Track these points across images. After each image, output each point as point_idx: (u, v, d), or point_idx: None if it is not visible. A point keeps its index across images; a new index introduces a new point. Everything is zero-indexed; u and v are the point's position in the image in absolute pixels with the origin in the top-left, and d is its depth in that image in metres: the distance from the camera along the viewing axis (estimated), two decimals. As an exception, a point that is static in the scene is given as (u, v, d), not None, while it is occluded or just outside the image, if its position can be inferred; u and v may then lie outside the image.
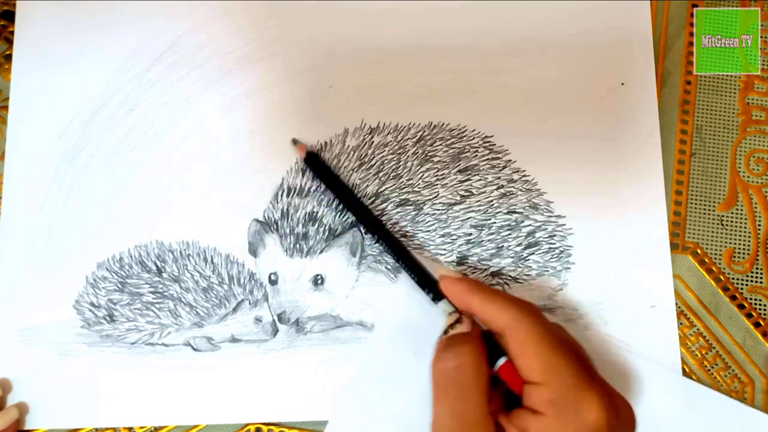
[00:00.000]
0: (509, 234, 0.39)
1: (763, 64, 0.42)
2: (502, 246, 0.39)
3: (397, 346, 0.37)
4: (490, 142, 0.40)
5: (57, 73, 0.41)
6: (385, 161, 0.40)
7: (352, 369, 0.37)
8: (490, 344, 0.31)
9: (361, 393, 0.37)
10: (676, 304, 0.39)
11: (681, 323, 0.39)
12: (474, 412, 0.29)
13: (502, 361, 0.31)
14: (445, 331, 0.33)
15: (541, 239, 0.39)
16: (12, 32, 0.41)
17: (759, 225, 0.40)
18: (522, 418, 0.29)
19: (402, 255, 0.37)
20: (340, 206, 0.39)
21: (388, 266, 0.38)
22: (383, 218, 0.39)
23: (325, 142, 0.40)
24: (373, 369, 0.37)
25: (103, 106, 0.40)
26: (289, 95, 0.41)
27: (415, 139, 0.40)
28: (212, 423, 0.37)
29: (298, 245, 0.38)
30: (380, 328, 0.38)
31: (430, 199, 0.39)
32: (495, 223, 0.39)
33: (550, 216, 0.39)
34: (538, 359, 0.29)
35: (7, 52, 0.41)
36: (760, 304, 0.40)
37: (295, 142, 0.39)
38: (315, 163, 0.39)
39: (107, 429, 0.37)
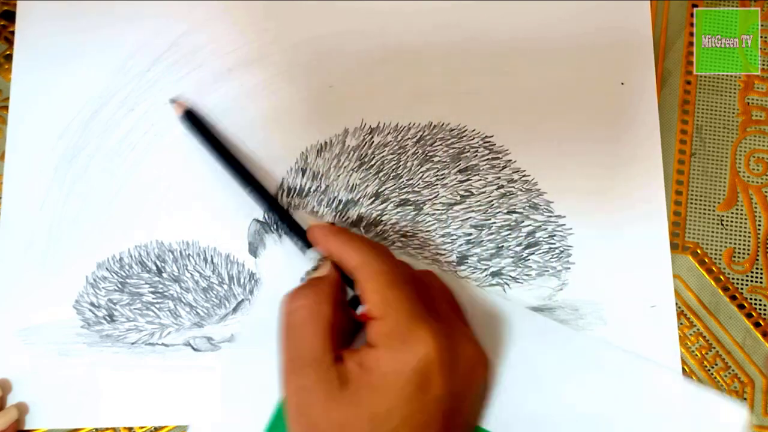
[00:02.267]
0: (509, 234, 0.39)
1: (763, 64, 0.42)
2: (502, 246, 0.39)
3: None
4: (490, 142, 0.40)
5: (57, 73, 0.41)
6: (385, 161, 0.40)
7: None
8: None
9: None
10: (676, 304, 0.39)
11: (681, 323, 0.39)
12: (309, 349, 0.30)
13: (361, 308, 0.31)
14: (303, 278, 0.34)
15: (541, 239, 0.39)
16: (12, 32, 0.41)
17: (759, 225, 0.40)
18: (361, 352, 0.30)
19: (275, 208, 0.37)
20: (340, 207, 0.39)
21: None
22: (383, 218, 0.39)
23: (325, 142, 0.40)
24: None
25: (103, 106, 0.40)
26: (289, 95, 0.41)
27: (415, 139, 0.40)
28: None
29: (298, 245, 0.38)
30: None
31: (430, 199, 0.39)
32: (495, 223, 0.39)
33: (550, 216, 0.39)
34: (377, 295, 0.30)
35: (7, 52, 0.41)
36: (760, 304, 0.40)
37: (173, 101, 0.39)
38: (193, 121, 0.38)
39: (107, 429, 0.37)
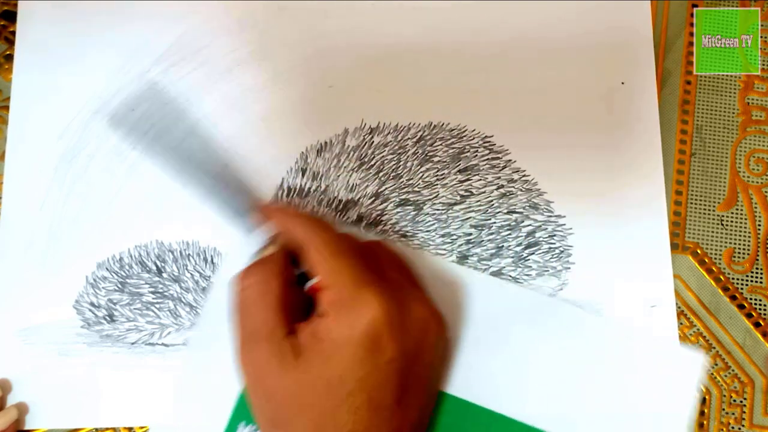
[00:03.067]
0: (509, 234, 0.39)
1: (763, 64, 0.42)
2: (502, 246, 0.39)
3: None
4: (490, 142, 0.40)
5: (57, 73, 0.41)
6: (385, 161, 0.40)
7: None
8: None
9: None
10: (676, 304, 0.39)
11: (681, 323, 0.39)
12: (262, 323, 0.30)
13: (311, 282, 0.32)
14: (257, 253, 0.35)
15: (541, 239, 0.39)
16: (12, 32, 0.41)
17: (759, 225, 0.40)
18: (313, 322, 0.30)
19: (216, 191, 0.37)
20: (340, 207, 0.39)
21: None
22: (383, 218, 0.39)
23: (325, 142, 0.40)
24: None
25: (103, 106, 0.40)
26: (289, 95, 0.41)
27: (415, 139, 0.40)
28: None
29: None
30: None
31: (430, 199, 0.39)
32: (495, 223, 0.39)
33: (550, 216, 0.39)
34: (322, 266, 0.30)
35: (8, 52, 0.41)
36: (760, 304, 0.40)
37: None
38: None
39: (107, 429, 0.37)
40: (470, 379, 0.36)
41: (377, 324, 0.29)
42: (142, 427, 0.37)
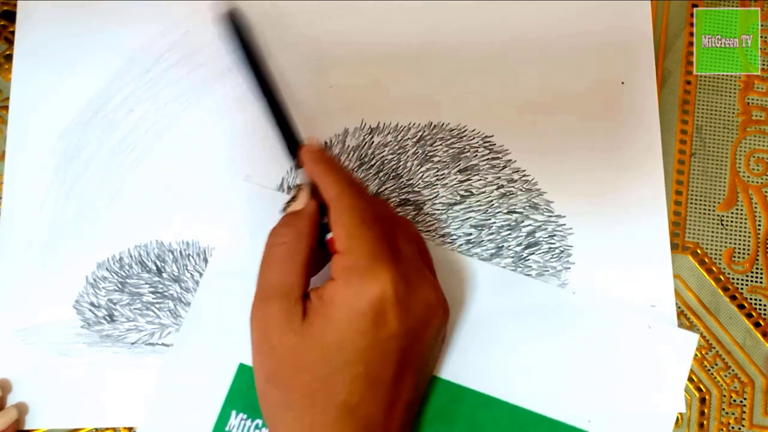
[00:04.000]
0: (509, 234, 0.39)
1: (763, 64, 0.42)
2: (502, 246, 0.39)
3: None
4: (490, 142, 0.40)
5: (57, 73, 0.41)
6: (385, 161, 0.40)
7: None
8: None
9: None
10: (676, 304, 0.39)
11: (681, 323, 0.39)
12: (281, 282, 0.31)
13: (329, 235, 0.32)
14: (286, 205, 0.35)
15: (541, 239, 0.39)
16: (12, 32, 0.41)
17: (759, 225, 0.40)
18: (323, 286, 0.30)
19: (280, 117, 0.36)
20: None
21: None
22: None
23: (325, 142, 0.40)
24: None
25: (103, 106, 0.40)
26: (289, 95, 0.40)
27: (415, 139, 0.40)
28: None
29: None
30: None
31: (430, 199, 0.39)
32: (495, 223, 0.39)
33: (550, 216, 0.39)
34: (344, 230, 0.30)
35: (7, 52, 0.41)
36: (760, 304, 0.40)
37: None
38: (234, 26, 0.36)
39: (107, 429, 0.37)
40: (461, 363, 0.37)
41: (384, 299, 0.29)
42: (142, 427, 0.37)
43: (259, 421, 0.36)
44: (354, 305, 0.29)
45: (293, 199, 0.34)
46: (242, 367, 0.36)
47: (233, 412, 0.36)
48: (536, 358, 0.37)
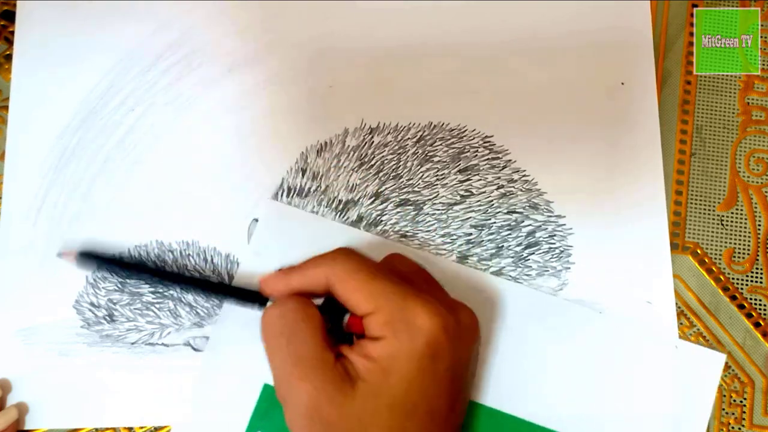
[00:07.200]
0: (509, 234, 0.39)
1: (763, 64, 0.42)
2: (502, 246, 0.39)
3: None
4: (490, 142, 0.40)
5: (57, 73, 0.41)
6: (385, 161, 0.40)
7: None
8: (333, 307, 0.32)
9: None
10: (676, 304, 0.39)
11: (681, 323, 0.39)
12: (307, 350, 0.30)
13: (347, 317, 0.31)
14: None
15: (541, 239, 0.39)
16: (12, 32, 0.41)
17: (759, 225, 0.40)
18: (364, 345, 0.30)
19: (214, 290, 0.36)
20: (340, 207, 0.39)
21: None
22: (383, 218, 0.39)
23: (325, 142, 0.40)
24: None
25: (103, 106, 0.40)
26: (289, 95, 0.41)
27: (415, 139, 0.40)
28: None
29: (298, 245, 0.38)
30: None
31: (430, 199, 0.39)
32: (495, 223, 0.39)
33: (550, 216, 0.39)
34: (361, 292, 0.30)
35: (7, 52, 0.41)
36: (760, 304, 0.40)
37: (60, 255, 0.37)
38: (93, 257, 0.37)
39: (107, 429, 0.37)
40: (489, 384, 0.36)
41: (436, 333, 0.29)
42: (142, 427, 0.37)
43: None
44: (411, 350, 0.29)
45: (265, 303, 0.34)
46: (266, 388, 0.36)
47: None
48: (562, 380, 0.37)
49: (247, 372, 0.36)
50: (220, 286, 0.36)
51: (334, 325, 0.32)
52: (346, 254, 0.32)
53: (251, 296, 0.34)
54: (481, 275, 0.38)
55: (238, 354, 0.37)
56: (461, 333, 0.31)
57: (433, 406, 0.30)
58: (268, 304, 0.33)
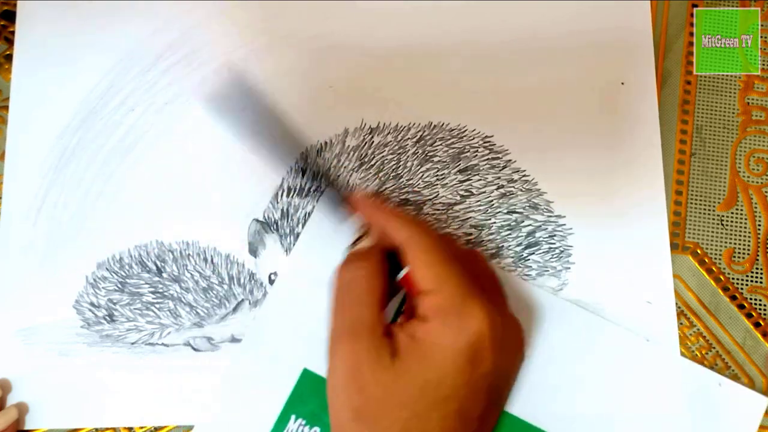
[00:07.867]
0: (509, 234, 0.39)
1: (763, 64, 0.42)
2: (502, 246, 0.39)
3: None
4: (490, 142, 0.40)
5: (57, 73, 0.41)
6: (385, 161, 0.40)
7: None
8: (394, 259, 0.32)
9: None
10: (676, 304, 0.39)
11: (681, 323, 0.39)
12: (364, 318, 0.31)
13: (403, 272, 0.32)
14: (352, 244, 0.35)
15: (541, 239, 0.39)
16: (12, 32, 0.41)
17: (759, 225, 0.40)
18: (412, 325, 0.30)
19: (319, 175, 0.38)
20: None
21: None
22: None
23: (325, 142, 0.40)
24: None
25: (103, 106, 0.40)
26: (289, 95, 0.41)
27: (415, 139, 0.40)
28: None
29: (298, 245, 0.38)
30: None
31: (430, 199, 0.39)
32: (495, 223, 0.39)
33: (550, 216, 0.39)
34: (430, 270, 0.30)
35: (7, 52, 0.41)
36: (760, 304, 0.40)
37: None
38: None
39: (107, 429, 0.37)
40: (527, 399, 0.36)
41: (482, 336, 0.29)
42: (142, 427, 0.37)
43: (317, 429, 0.35)
44: (453, 343, 0.29)
45: (360, 238, 0.35)
46: (305, 373, 0.36)
47: (293, 416, 0.36)
48: (601, 403, 0.37)
49: (288, 356, 0.36)
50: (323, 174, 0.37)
51: (389, 276, 0.32)
52: (428, 230, 0.32)
53: (340, 200, 0.36)
54: (523, 285, 0.38)
55: (282, 339, 0.37)
56: (506, 345, 0.31)
57: (464, 408, 0.30)
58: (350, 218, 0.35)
